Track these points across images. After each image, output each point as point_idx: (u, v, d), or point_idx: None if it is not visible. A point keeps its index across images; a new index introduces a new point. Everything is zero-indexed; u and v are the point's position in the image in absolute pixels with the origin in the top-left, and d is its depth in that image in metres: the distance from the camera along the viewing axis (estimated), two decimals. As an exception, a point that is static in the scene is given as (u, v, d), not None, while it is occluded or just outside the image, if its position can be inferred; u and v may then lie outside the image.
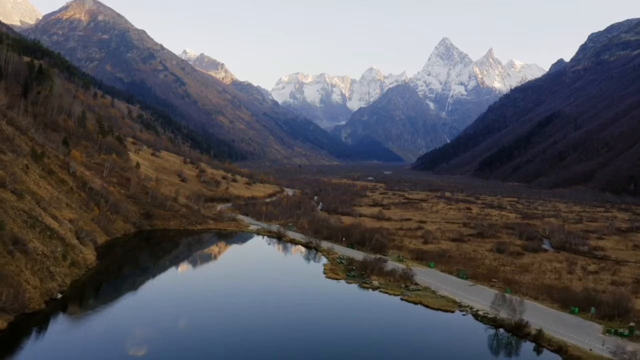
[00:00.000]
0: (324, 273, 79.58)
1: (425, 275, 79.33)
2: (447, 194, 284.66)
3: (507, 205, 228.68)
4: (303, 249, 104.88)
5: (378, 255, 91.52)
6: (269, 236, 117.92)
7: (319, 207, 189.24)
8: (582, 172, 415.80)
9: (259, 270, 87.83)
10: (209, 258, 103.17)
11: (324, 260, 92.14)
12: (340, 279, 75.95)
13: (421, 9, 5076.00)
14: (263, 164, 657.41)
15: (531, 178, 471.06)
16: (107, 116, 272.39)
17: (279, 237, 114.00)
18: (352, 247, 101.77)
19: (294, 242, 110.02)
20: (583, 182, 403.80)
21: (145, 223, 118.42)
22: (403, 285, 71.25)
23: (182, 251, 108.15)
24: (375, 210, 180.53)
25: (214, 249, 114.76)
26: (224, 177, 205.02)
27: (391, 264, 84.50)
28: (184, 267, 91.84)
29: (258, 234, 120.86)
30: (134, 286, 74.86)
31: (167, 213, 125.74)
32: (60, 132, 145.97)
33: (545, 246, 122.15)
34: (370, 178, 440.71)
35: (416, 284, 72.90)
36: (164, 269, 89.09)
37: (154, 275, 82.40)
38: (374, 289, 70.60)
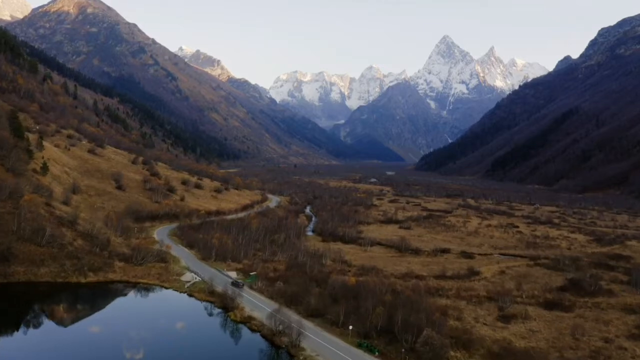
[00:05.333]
0: None
1: None
2: (471, 201, 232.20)
3: (556, 219, 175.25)
4: (265, 345, 50.19)
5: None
6: (208, 301, 61.81)
7: (310, 227, 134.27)
8: (614, 174, 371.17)
9: None
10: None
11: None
12: None
13: (421, 7, 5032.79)
14: (256, 164, 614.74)
15: (553, 180, 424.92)
16: (50, 104, 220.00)
17: (225, 308, 58.30)
18: (372, 351, 46.48)
19: (251, 324, 54.59)
20: (616, 186, 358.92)
21: (-9, 272, 65.32)
22: None
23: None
24: (389, 229, 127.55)
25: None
26: (183, 182, 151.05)
27: None
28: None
29: (190, 294, 64.23)
30: None
31: (43, 250, 72.13)
32: None
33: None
34: (373, 180, 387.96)
35: None
36: None
37: None
38: None
